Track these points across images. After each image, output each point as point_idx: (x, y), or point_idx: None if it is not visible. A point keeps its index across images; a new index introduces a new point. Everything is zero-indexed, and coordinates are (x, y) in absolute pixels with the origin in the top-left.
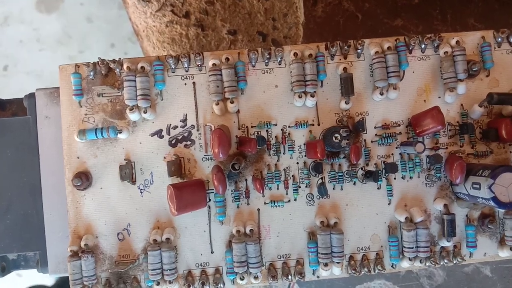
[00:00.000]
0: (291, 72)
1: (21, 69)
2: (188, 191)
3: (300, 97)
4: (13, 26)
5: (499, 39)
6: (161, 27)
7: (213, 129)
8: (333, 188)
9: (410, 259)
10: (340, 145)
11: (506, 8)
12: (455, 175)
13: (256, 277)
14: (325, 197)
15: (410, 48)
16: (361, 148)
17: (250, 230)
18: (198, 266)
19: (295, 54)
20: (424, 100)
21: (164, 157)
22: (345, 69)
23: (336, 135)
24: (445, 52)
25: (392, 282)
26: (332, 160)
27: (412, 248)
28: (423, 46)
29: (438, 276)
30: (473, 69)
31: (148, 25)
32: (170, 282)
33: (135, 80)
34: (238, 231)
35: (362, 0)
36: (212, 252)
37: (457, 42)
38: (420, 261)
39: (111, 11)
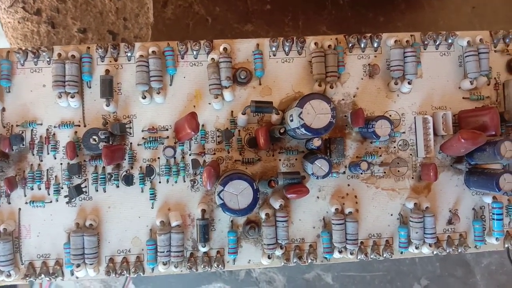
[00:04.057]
0: (51, 72)
1: None
2: None
3: (59, 97)
4: None
5: (273, 48)
6: (15, 23)
7: None
8: (96, 190)
9: (164, 264)
10: (97, 147)
11: (359, 17)
12: (203, 180)
13: (8, 275)
14: (80, 198)
15: (182, 53)
16: (118, 151)
17: (4, 229)
18: None
19: (59, 55)
20: (194, 106)
21: None
22: (107, 71)
23: (94, 137)
24: (212, 59)
25: (231, 286)
26: (95, 162)
27: (164, 252)
28: (194, 52)
29: (278, 282)
30: (241, 77)
31: (5, 20)
32: None
33: None
34: None
35: (213, 4)
36: None
37: (225, 49)
38: (175, 266)
39: None
